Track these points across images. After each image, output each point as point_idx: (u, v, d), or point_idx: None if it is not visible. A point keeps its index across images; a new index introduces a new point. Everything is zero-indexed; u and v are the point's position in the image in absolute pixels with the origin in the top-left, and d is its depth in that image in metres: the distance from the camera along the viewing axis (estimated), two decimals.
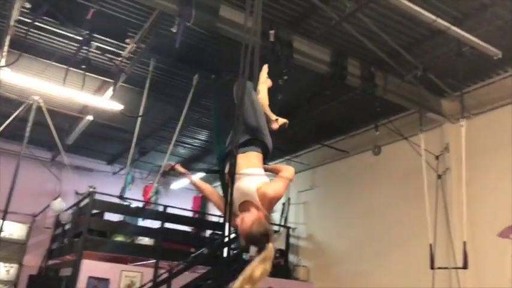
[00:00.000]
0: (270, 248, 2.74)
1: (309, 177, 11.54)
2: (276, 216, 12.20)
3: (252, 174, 2.97)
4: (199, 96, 8.71)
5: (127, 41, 7.19)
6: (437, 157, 7.91)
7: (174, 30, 5.94)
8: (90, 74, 8.03)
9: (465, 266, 5.89)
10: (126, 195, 11.46)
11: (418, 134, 8.29)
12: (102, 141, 12.19)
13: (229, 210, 2.84)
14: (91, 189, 11.60)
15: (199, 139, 11.82)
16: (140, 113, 7.92)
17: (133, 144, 8.21)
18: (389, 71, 7.52)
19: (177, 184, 14.01)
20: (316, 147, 11.36)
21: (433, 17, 5.52)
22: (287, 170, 3.16)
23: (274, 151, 12.77)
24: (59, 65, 7.86)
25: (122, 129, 11.19)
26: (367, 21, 5.93)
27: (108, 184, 12.12)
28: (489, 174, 7.29)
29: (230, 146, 3.16)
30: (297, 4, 6.33)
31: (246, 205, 2.92)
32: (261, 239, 2.78)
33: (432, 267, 6.39)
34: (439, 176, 7.81)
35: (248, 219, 2.81)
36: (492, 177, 7.28)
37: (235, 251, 10.78)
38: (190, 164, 13.29)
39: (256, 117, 3.43)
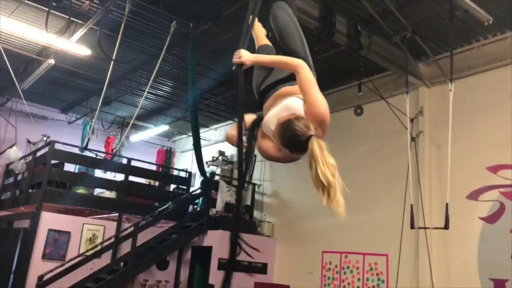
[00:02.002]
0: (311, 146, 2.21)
1: None
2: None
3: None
4: (172, 46, 8.25)
5: None
6: (412, 120, 8.02)
7: None
8: (55, 12, 7.38)
9: (446, 227, 6.10)
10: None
11: (396, 95, 8.41)
12: (58, 88, 11.40)
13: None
14: (45, 138, 10.99)
15: (164, 90, 11.33)
16: (112, 59, 7.39)
17: (103, 93, 7.73)
18: (375, 31, 7.43)
19: (137, 137, 13.53)
20: None
21: None
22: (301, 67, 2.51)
23: (246, 102, 12.41)
24: None
25: (83, 76, 10.53)
26: None
27: (63, 134, 11.50)
28: (462, 139, 7.48)
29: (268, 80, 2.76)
30: None
31: None
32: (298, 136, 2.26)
33: (412, 227, 6.58)
34: (413, 139, 7.96)
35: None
36: (464, 142, 7.49)
37: (201, 207, 10.70)
38: (152, 116, 12.83)
39: (302, 42, 2.90)
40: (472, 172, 7.35)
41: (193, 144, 8.53)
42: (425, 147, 8.04)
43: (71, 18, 7.30)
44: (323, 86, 9.12)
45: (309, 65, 2.62)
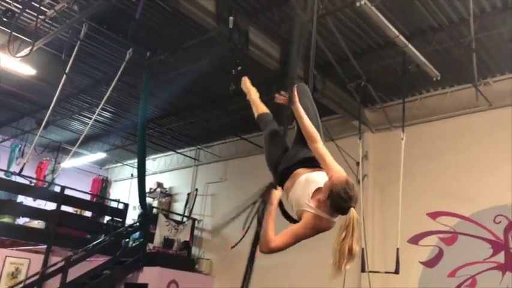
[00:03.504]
0: (351, 217, 2.41)
1: (220, 169, 11.36)
2: (179, 207, 11.82)
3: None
4: (123, 72, 7.98)
5: None
6: (357, 163, 8.29)
7: None
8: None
9: (397, 271, 6.25)
10: (13, 170, 10.21)
11: (341, 138, 8.67)
12: None
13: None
14: None
15: (104, 116, 10.85)
16: (60, 83, 6.96)
17: (47, 116, 7.21)
18: (328, 76, 7.69)
19: (70, 163, 12.74)
20: (231, 139, 11.21)
21: (396, 33, 5.72)
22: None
23: (184, 138, 12.36)
24: None
25: (17, 96, 9.83)
26: (332, 26, 5.95)
27: None
28: (404, 184, 7.81)
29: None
30: None
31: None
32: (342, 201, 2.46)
33: (363, 270, 6.67)
34: (358, 181, 8.21)
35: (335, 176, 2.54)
36: (407, 187, 7.83)
37: (138, 241, 10.20)
38: (89, 142, 12.20)
39: (317, 119, 3.09)
40: (414, 217, 7.66)
41: (138, 172, 8.15)
42: (369, 190, 8.32)
43: (19, 36, 6.84)
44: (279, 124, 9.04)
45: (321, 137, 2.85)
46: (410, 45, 6.00)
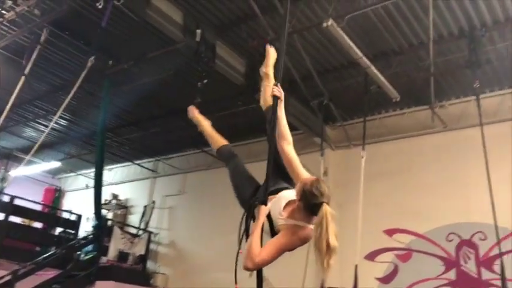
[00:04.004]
0: (324, 212, 2.38)
1: (179, 182, 11.20)
2: (135, 219, 11.53)
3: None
4: (83, 80, 7.76)
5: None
6: None
7: (99, 6, 5.21)
8: None
9: (355, 287, 6.34)
10: None
11: (301, 154, 8.74)
12: None
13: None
14: None
15: (60, 124, 10.48)
16: (17, 86, 6.69)
17: (2, 118, 6.87)
18: (291, 93, 7.77)
19: (20, 171, 12.20)
20: (191, 151, 11.09)
21: (360, 54, 5.88)
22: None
23: (143, 148, 12.02)
24: None
25: None
26: (298, 44, 6.05)
27: None
28: (362, 201, 7.99)
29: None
30: (231, 10, 6.14)
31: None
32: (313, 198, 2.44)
33: (322, 287, 6.72)
34: None
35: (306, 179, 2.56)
36: (364, 204, 7.99)
37: (92, 254, 9.84)
38: (41, 150, 11.71)
39: None
40: (370, 234, 7.80)
41: (95, 182, 7.90)
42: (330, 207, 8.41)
43: None
44: (242, 137, 9.17)
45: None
46: (372, 67, 6.19)
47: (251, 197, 2.86)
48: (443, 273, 7.12)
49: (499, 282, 6.15)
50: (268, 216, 2.60)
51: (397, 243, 7.70)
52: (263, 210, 2.56)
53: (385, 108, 8.34)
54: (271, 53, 3.25)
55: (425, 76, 6.84)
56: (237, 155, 3.27)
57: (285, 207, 2.62)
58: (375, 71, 6.29)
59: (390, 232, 7.76)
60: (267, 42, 3.12)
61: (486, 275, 6.77)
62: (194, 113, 3.72)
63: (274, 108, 2.76)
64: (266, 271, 2.75)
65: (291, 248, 2.54)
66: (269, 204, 2.61)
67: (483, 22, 5.92)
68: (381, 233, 7.81)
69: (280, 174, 2.80)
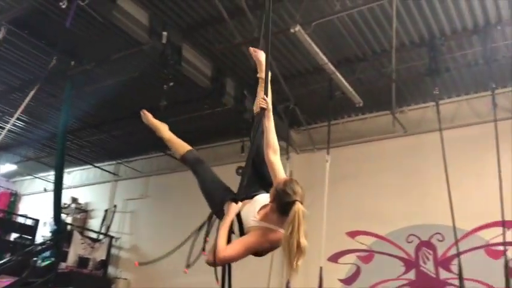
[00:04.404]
0: (296, 210, 2.33)
1: (141, 185, 11.02)
2: (96, 224, 11.26)
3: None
4: (43, 81, 7.53)
5: None
6: None
7: (63, 6, 5.08)
8: None
9: None
10: None
11: None
12: None
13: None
14: None
15: (17, 126, 10.10)
16: None
17: None
18: None
19: None
20: (154, 154, 10.94)
21: (326, 60, 6.00)
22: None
23: (104, 151, 11.76)
24: None
25: None
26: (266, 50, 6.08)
27: None
28: (326, 204, 8.12)
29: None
30: (198, 13, 6.12)
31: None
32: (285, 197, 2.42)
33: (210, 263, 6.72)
34: None
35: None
36: (328, 207, 8.13)
37: (50, 260, 9.52)
38: None
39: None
40: (334, 236, 7.92)
41: (54, 186, 7.67)
42: None
43: None
44: (208, 140, 9.14)
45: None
46: (337, 73, 6.32)
47: (222, 202, 2.77)
48: (403, 273, 7.34)
49: (455, 282, 6.40)
50: (238, 216, 2.58)
51: (359, 244, 7.87)
52: (233, 208, 2.53)
53: (348, 113, 8.53)
54: (261, 57, 3.12)
55: (387, 82, 7.04)
56: (203, 161, 3.13)
57: (259, 211, 2.61)
58: (340, 77, 6.42)
59: (353, 234, 7.93)
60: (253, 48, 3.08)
61: (444, 274, 7.03)
62: (148, 117, 3.47)
63: (259, 119, 2.77)
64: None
65: (258, 249, 2.52)
66: (241, 204, 2.58)
67: (442, 31, 6.17)
68: (343, 235, 7.97)
69: (260, 182, 2.81)
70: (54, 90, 8.07)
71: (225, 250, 2.40)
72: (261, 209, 2.61)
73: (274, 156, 2.74)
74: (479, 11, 5.78)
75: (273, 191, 2.53)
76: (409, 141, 7.96)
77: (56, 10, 5.99)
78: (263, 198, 2.68)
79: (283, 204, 2.42)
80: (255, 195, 2.75)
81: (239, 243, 2.49)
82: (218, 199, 2.80)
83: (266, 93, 2.87)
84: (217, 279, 2.49)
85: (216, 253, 2.39)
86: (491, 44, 5.98)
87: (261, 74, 3.05)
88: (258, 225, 2.53)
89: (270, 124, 2.79)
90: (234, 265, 2.70)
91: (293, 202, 2.37)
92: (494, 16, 5.83)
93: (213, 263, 2.41)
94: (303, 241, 2.28)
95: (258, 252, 2.58)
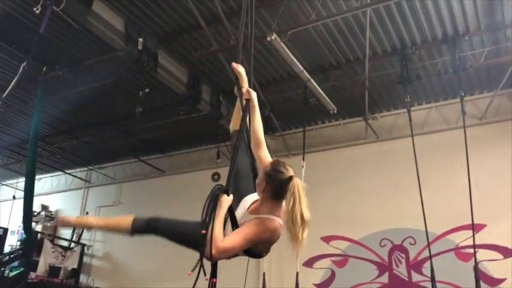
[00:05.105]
0: (295, 184, 2.27)
1: (114, 192, 10.86)
2: (67, 232, 11.01)
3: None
4: (13, 87, 7.35)
5: None
6: None
7: (37, 11, 4.99)
8: None
9: None
10: None
11: None
12: None
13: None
14: None
15: None
16: None
17: None
18: (234, 104, 7.85)
19: None
20: (127, 160, 10.82)
21: (301, 68, 6.09)
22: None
23: (75, 158, 11.53)
24: None
25: None
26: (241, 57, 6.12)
27: None
28: None
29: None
30: (174, 20, 6.12)
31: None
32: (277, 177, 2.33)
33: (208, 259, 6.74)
34: None
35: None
36: None
37: (19, 270, 9.27)
38: None
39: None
40: (308, 241, 7.92)
41: (25, 193, 7.45)
42: None
43: None
44: (183, 146, 9.12)
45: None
46: (312, 80, 6.42)
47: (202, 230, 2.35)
48: (377, 277, 7.48)
49: (427, 284, 6.57)
50: (230, 210, 2.43)
51: (334, 249, 7.99)
52: (225, 200, 2.37)
53: (321, 120, 8.66)
54: (242, 72, 2.99)
55: (361, 90, 7.19)
56: (158, 217, 2.76)
57: (249, 206, 2.50)
58: (314, 84, 6.53)
59: (327, 239, 8.03)
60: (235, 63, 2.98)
61: (416, 277, 7.20)
62: (66, 222, 3.15)
63: (244, 111, 2.68)
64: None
65: (257, 241, 2.35)
66: (232, 197, 2.41)
67: (413, 41, 6.35)
68: (318, 240, 8.06)
69: (247, 187, 2.68)
70: (24, 96, 7.91)
71: (224, 241, 2.24)
72: (251, 205, 2.51)
73: (260, 150, 2.69)
74: (448, 22, 5.98)
75: (263, 177, 2.40)
76: (381, 147, 8.14)
77: (29, 15, 5.89)
78: (251, 197, 2.57)
79: (279, 185, 2.33)
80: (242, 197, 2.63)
81: (237, 234, 2.33)
82: (197, 232, 2.33)
83: (250, 85, 2.84)
84: (205, 273, 2.22)
85: (214, 244, 2.20)
86: (460, 53, 6.18)
87: (242, 89, 2.92)
88: (252, 219, 2.38)
89: (255, 116, 2.71)
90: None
91: (290, 178, 2.30)
92: (462, 27, 6.05)
93: (212, 256, 2.22)
94: (306, 212, 2.25)
95: (258, 246, 2.41)
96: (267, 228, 2.34)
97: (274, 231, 2.36)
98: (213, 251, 2.19)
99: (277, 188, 2.34)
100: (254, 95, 2.74)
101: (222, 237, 2.26)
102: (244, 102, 2.74)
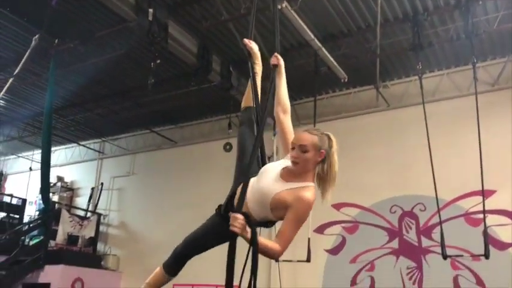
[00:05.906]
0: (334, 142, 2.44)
1: (128, 162, 11.04)
2: (82, 202, 11.29)
3: None
4: (26, 60, 7.43)
5: None
6: (268, 158, 8.59)
7: None
8: None
9: (308, 259, 6.65)
10: None
11: None
12: None
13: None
14: None
15: None
16: None
17: None
18: (244, 73, 7.87)
19: None
20: (139, 132, 10.95)
21: (312, 36, 6.07)
22: None
23: (87, 130, 11.72)
24: None
25: None
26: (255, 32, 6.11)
27: None
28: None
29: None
30: None
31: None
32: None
33: (277, 260, 6.96)
34: None
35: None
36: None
37: (39, 239, 9.59)
38: None
39: None
40: (319, 208, 8.09)
41: (42, 165, 7.65)
42: None
43: None
44: (195, 117, 9.22)
45: None
46: (323, 48, 6.40)
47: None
48: (387, 242, 7.63)
49: (437, 249, 6.71)
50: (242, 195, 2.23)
51: (344, 216, 8.12)
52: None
53: (332, 88, 8.65)
54: (255, 48, 3.05)
55: (372, 58, 7.15)
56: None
57: (282, 174, 2.34)
58: (325, 52, 6.51)
59: (338, 206, 8.16)
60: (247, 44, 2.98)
61: (426, 242, 7.33)
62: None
63: (272, 77, 2.71)
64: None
65: (305, 218, 2.31)
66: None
67: (425, 7, 6.27)
68: (329, 207, 8.16)
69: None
70: (37, 69, 7.99)
71: (283, 243, 2.20)
72: (282, 171, 2.35)
73: (283, 115, 2.69)
74: None
75: (313, 144, 2.33)
76: (392, 115, 8.15)
77: None
78: (273, 165, 2.46)
79: (329, 148, 2.40)
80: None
81: (291, 224, 2.23)
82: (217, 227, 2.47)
83: (278, 51, 2.83)
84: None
85: (277, 254, 2.23)
86: (473, 18, 6.08)
87: (255, 66, 2.99)
88: (300, 187, 2.29)
89: (281, 81, 2.76)
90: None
91: (330, 138, 2.46)
92: None
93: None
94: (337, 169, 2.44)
95: (280, 214, 2.31)
96: (310, 202, 2.31)
97: (313, 202, 2.34)
98: (279, 256, 2.28)
99: (327, 151, 2.39)
100: (281, 61, 2.75)
101: (276, 246, 2.20)
102: (272, 67, 2.74)
